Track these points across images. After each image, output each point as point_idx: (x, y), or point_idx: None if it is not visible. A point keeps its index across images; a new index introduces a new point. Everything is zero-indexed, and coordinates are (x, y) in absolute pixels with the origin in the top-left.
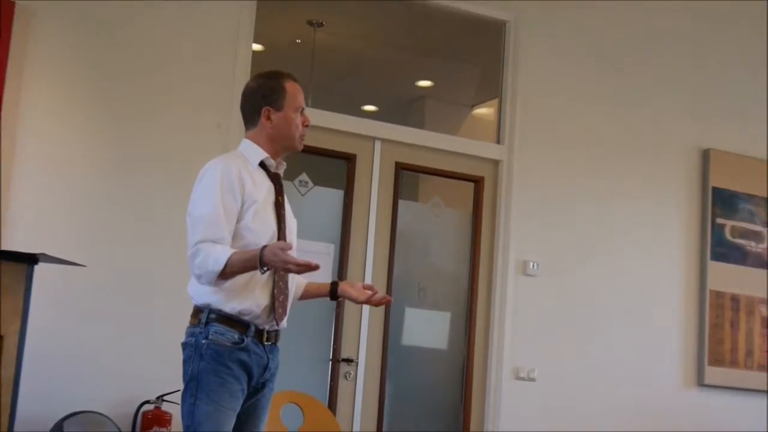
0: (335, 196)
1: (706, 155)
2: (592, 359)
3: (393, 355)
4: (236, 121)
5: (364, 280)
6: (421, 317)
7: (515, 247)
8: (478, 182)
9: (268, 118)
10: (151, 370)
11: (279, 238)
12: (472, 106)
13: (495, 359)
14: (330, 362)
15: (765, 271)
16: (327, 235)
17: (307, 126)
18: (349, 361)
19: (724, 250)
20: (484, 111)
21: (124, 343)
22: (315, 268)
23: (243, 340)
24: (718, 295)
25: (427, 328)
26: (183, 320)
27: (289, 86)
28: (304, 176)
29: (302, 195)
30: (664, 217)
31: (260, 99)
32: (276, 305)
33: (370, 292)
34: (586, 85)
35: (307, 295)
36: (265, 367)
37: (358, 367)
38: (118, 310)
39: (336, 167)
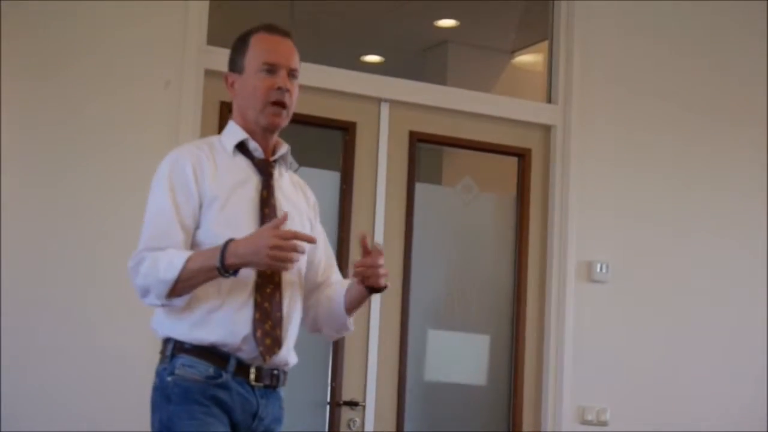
0: (329, 179)
1: None
2: (682, 396)
3: (412, 395)
4: (189, 78)
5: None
6: (450, 342)
7: (576, 243)
8: (523, 157)
9: (232, 85)
10: None
11: None
12: (512, 53)
13: (552, 397)
14: (328, 406)
15: None
16: None
17: (280, 89)
18: (353, 404)
19: None
20: (529, 59)
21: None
22: (312, 240)
23: (221, 375)
24: None
25: (458, 358)
26: None
27: (255, 39)
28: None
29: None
30: (760, 200)
31: (229, 63)
32: (259, 334)
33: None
34: (671, 22)
35: (353, 302)
36: (254, 415)
37: (366, 413)
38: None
39: (329, 141)
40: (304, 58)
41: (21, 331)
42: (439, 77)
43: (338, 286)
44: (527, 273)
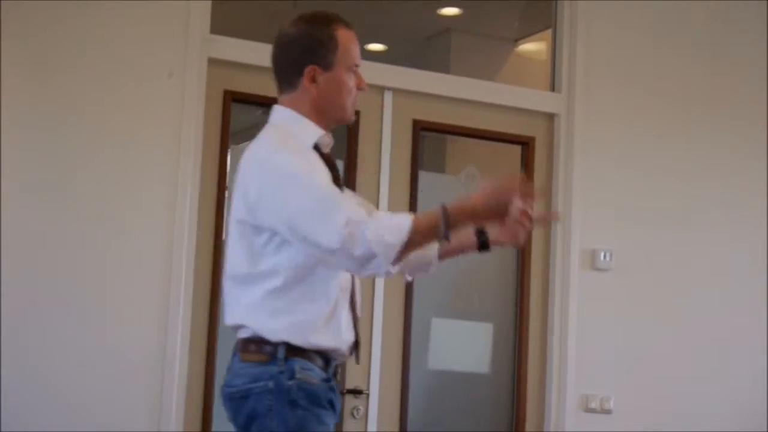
0: None
1: None
2: (687, 381)
3: (416, 383)
4: (192, 68)
5: (375, 282)
6: (454, 330)
7: (580, 232)
8: (526, 145)
9: (313, 80)
10: None
11: None
12: (516, 41)
13: (556, 385)
14: None
15: None
16: None
17: (361, 90)
18: (357, 392)
19: None
20: (533, 47)
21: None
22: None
23: (330, 378)
24: None
25: (462, 346)
26: None
27: (342, 35)
28: None
29: None
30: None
31: (302, 53)
32: (358, 338)
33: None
34: (675, 13)
35: (448, 251)
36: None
37: (370, 401)
38: None
39: (333, 130)
40: None
41: (21, 330)
42: (442, 66)
43: None
44: (530, 261)
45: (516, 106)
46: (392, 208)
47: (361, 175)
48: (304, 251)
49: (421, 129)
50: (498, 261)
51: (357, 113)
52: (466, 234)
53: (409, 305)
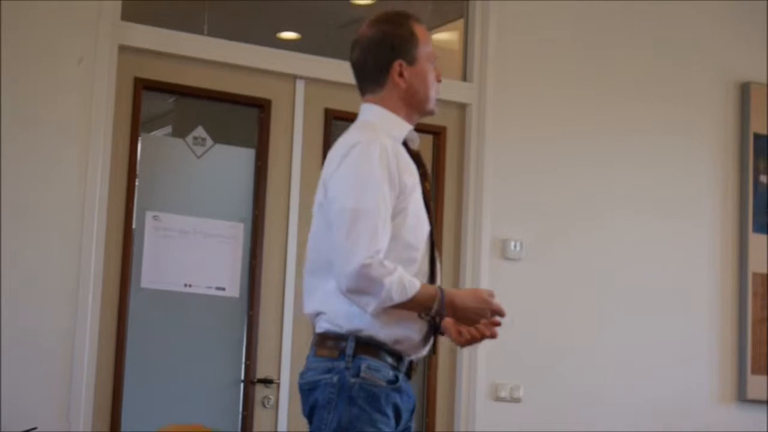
0: (244, 157)
1: (744, 91)
2: (597, 372)
3: None
4: (102, 55)
5: (285, 272)
6: None
7: (491, 221)
8: (438, 135)
9: (401, 74)
10: None
11: (432, 242)
12: (429, 31)
13: (466, 374)
14: (242, 384)
15: None
16: (233, 210)
17: (439, 81)
18: (268, 382)
19: None
20: (445, 37)
21: None
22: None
23: (397, 378)
24: (764, 279)
25: None
26: None
27: (419, 31)
28: (200, 131)
29: (198, 157)
30: (689, 177)
31: (389, 51)
32: (437, 329)
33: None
34: (587, 2)
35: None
36: (412, 410)
37: (281, 390)
38: None
39: (244, 118)
40: (219, 34)
41: None
42: None
43: None
44: (442, 250)
45: None
46: (304, 196)
47: (273, 164)
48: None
49: (333, 118)
50: None
51: (268, 102)
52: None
53: None
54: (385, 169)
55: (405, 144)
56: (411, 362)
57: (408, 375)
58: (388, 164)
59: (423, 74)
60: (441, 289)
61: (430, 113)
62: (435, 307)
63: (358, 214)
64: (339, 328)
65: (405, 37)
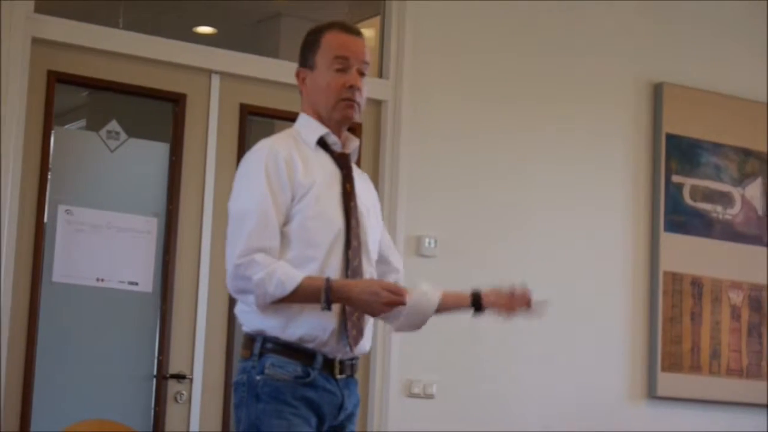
0: (158, 151)
1: (658, 91)
2: (509, 368)
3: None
4: (15, 47)
5: (199, 267)
6: None
7: (405, 218)
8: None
9: (303, 81)
10: None
11: (348, 240)
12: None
13: (379, 371)
14: (154, 380)
15: (736, 245)
16: (146, 205)
17: (351, 87)
18: (180, 377)
19: (681, 217)
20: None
21: None
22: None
23: (308, 374)
24: (675, 277)
25: None
26: None
27: (328, 37)
28: (114, 125)
29: (112, 150)
30: (603, 177)
31: (299, 59)
32: (348, 326)
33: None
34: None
35: (442, 308)
36: (340, 407)
37: (194, 386)
38: None
39: (158, 112)
40: (134, 27)
41: None
42: (272, 50)
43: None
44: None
45: None
46: (218, 191)
47: (187, 159)
48: None
49: (248, 113)
50: None
51: (183, 97)
52: (464, 297)
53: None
54: (266, 173)
55: (327, 147)
56: (333, 360)
57: (330, 372)
58: (276, 167)
59: (321, 80)
60: (328, 281)
61: (342, 119)
62: (323, 298)
63: (236, 216)
64: (249, 330)
65: (309, 44)
